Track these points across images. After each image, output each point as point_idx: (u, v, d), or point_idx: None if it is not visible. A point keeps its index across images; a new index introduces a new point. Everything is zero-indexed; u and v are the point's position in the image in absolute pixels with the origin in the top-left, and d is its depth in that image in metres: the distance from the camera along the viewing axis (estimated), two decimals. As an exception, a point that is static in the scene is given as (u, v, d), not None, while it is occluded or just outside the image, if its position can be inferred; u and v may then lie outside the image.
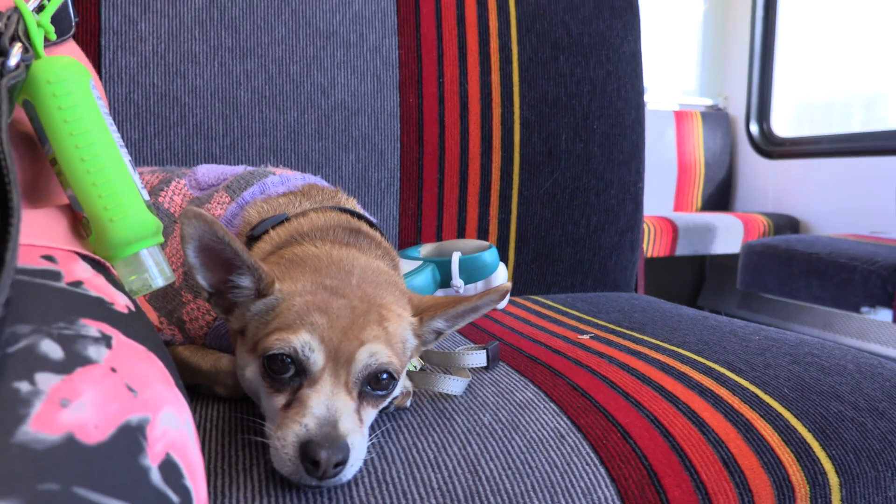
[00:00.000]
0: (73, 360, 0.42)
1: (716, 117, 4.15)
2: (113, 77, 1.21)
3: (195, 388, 0.83)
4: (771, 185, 3.96)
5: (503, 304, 1.31)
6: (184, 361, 0.83)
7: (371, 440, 0.69)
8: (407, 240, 1.43)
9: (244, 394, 0.77)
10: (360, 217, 0.91)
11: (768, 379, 0.87)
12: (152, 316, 0.85)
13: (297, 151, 1.32)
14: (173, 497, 0.41)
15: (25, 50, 0.56)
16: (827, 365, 0.92)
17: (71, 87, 0.59)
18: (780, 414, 0.78)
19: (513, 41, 1.45)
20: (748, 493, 0.68)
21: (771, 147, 3.95)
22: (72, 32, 0.70)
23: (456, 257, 1.17)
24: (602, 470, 0.68)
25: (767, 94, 3.99)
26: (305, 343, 0.64)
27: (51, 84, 0.57)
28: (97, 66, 1.19)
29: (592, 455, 0.70)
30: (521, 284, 1.52)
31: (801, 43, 3.93)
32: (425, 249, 1.30)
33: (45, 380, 0.40)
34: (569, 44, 1.48)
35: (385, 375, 0.67)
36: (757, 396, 0.82)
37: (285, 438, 0.60)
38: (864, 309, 2.44)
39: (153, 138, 1.23)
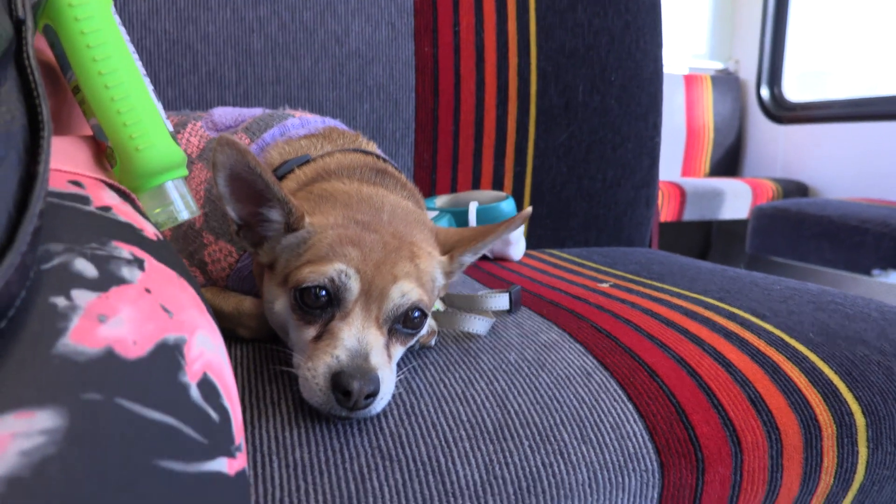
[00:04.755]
0: (108, 279, 0.42)
1: (726, 81, 4.09)
2: (124, 23, 1.17)
3: (216, 331, 0.83)
4: (780, 151, 3.92)
5: (519, 255, 1.30)
6: None
7: (399, 376, 0.68)
8: (421, 192, 1.40)
9: (267, 335, 0.77)
10: (384, 160, 0.90)
11: (793, 324, 0.86)
12: (174, 256, 0.84)
13: (311, 100, 1.30)
14: (213, 414, 0.41)
15: (47, -31, 0.55)
16: (851, 312, 0.92)
17: (93, 11, 0.57)
18: (807, 357, 0.78)
19: (530, -11, 1.41)
20: (776, 431, 0.68)
21: (781, 112, 3.90)
22: None
23: (473, 207, 1.16)
24: (630, 406, 0.68)
25: (779, 57, 3.92)
26: (341, 271, 0.63)
27: (73, 7, 0.56)
28: (108, 12, 1.16)
29: (620, 392, 0.69)
30: (535, 239, 1.51)
31: (814, 5, 3.86)
32: (440, 200, 1.29)
33: (82, 296, 0.39)
34: (587, -8, 1.44)
35: (417, 313, 0.67)
36: (782, 340, 0.81)
37: (316, 369, 0.60)
38: (875, 272, 2.42)
39: (165, 86, 1.21)
